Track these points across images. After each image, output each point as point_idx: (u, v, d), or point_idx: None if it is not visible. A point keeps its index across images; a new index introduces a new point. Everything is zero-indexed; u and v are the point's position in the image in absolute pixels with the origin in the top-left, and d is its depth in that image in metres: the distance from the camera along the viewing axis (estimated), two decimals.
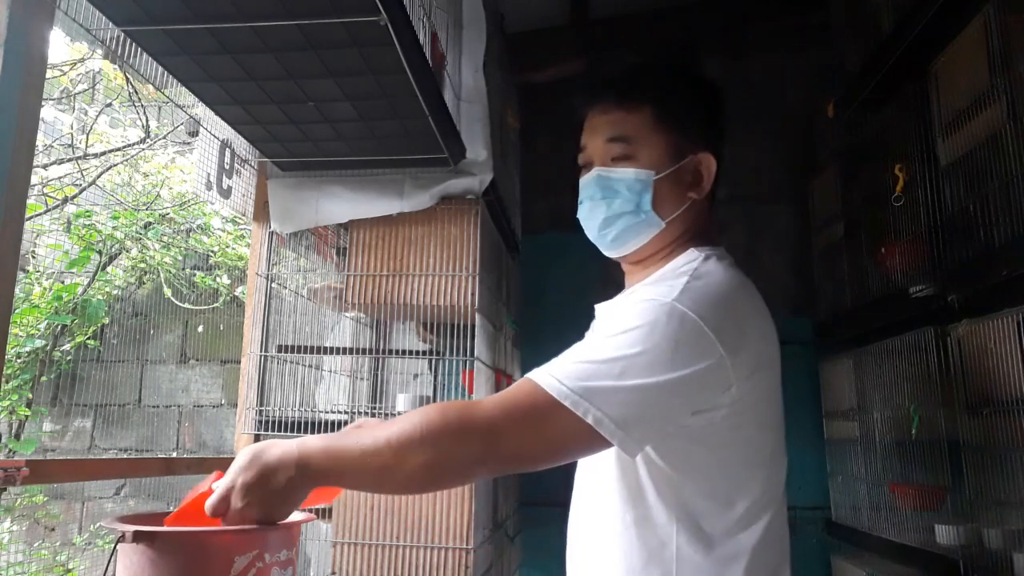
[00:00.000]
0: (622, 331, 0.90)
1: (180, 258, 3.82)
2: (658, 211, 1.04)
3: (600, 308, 1.15)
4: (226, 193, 1.80)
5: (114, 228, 3.55)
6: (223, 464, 1.91)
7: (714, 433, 0.95)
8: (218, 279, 3.73)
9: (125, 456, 3.63)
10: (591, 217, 1.08)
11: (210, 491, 0.91)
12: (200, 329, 3.84)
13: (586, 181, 1.08)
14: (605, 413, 0.85)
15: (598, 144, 1.07)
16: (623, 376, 0.87)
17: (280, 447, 0.87)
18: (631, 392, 0.86)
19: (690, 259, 1.01)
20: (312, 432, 1.71)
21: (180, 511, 0.96)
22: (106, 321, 3.75)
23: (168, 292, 3.69)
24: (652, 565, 0.96)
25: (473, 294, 1.75)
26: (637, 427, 0.87)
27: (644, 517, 0.97)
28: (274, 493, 0.87)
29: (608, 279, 1.26)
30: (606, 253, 1.12)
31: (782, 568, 1.05)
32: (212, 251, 3.83)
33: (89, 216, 3.52)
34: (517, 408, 0.88)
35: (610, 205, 1.05)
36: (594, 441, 0.86)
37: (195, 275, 3.77)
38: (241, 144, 1.81)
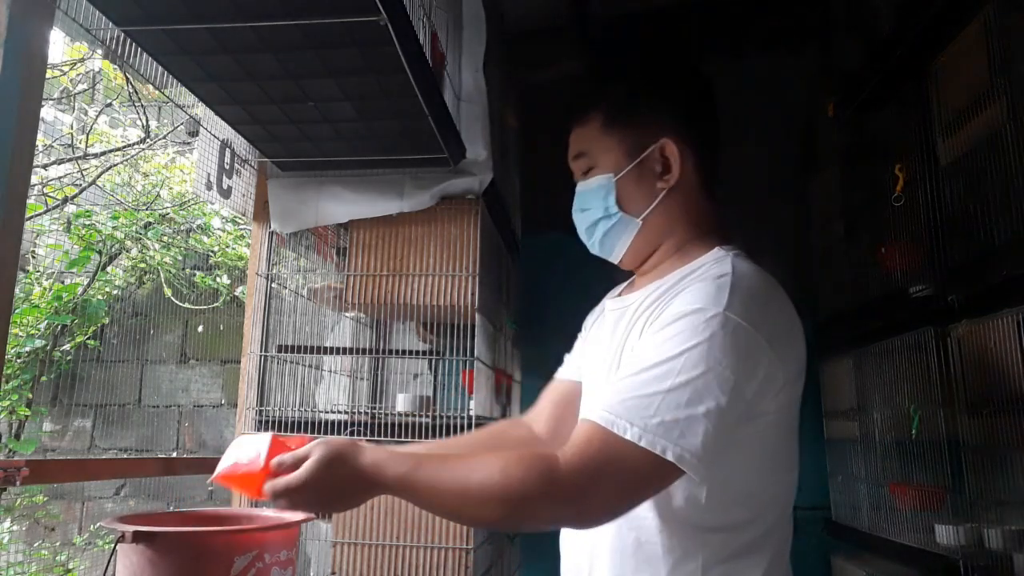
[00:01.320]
0: (680, 351, 0.87)
1: (180, 258, 3.82)
2: (628, 210, 1.05)
3: (613, 304, 1.13)
4: (226, 193, 1.80)
5: (114, 228, 3.55)
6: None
7: (757, 438, 0.94)
8: (218, 279, 3.73)
9: (125, 456, 3.63)
10: (580, 231, 1.13)
11: (266, 468, 0.90)
12: (200, 329, 3.84)
13: (574, 200, 1.13)
14: (684, 448, 0.83)
15: (572, 164, 1.12)
16: (692, 403, 0.84)
17: (358, 461, 0.89)
18: (704, 420, 0.84)
19: (719, 258, 1.00)
20: (311, 432, 1.72)
21: (228, 475, 0.94)
22: (106, 321, 3.75)
23: (168, 292, 3.69)
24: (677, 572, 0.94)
25: (473, 294, 1.75)
26: (712, 451, 0.85)
27: (665, 524, 0.95)
28: (342, 501, 0.93)
29: (619, 277, 1.26)
30: (612, 261, 1.14)
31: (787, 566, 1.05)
32: (212, 251, 3.83)
33: (89, 216, 3.52)
34: (600, 466, 0.84)
35: (587, 216, 1.09)
36: (675, 475, 0.86)
37: (195, 275, 3.77)
38: (241, 144, 1.81)
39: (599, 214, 1.07)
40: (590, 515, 0.87)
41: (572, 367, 1.27)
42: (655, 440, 0.83)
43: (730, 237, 1.08)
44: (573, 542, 1.08)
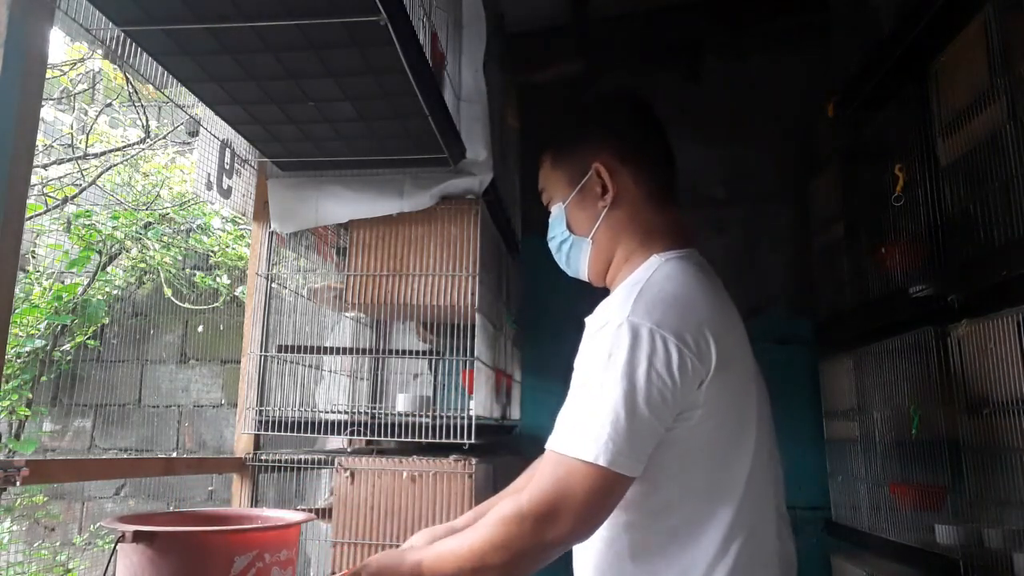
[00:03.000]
0: (598, 366, 0.96)
1: (180, 258, 3.82)
2: (578, 231, 1.18)
3: (587, 321, 1.18)
4: (226, 193, 1.80)
5: (114, 228, 3.55)
6: (223, 464, 1.90)
7: (692, 435, 0.99)
8: (218, 279, 3.73)
9: (125, 456, 3.63)
10: (555, 258, 1.27)
11: None
12: (200, 329, 3.84)
13: None
14: (616, 453, 0.92)
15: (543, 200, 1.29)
16: (612, 411, 0.93)
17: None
18: (627, 422, 0.93)
19: (648, 266, 1.08)
20: (311, 432, 1.72)
21: None
22: (106, 321, 3.75)
23: (168, 292, 3.69)
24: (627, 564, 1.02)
25: (473, 294, 1.75)
26: (641, 449, 0.95)
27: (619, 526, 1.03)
28: None
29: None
30: (584, 280, 1.25)
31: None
32: (212, 251, 3.83)
33: (89, 216, 3.52)
34: (557, 490, 0.94)
35: (554, 243, 1.24)
36: (621, 481, 0.94)
37: (195, 275, 3.77)
38: (241, 144, 1.81)
39: (560, 239, 1.22)
40: (570, 534, 0.95)
41: None
42: (597, 454, 0.92)
43: (682, 241, 1.13)
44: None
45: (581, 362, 1.02)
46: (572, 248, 1.20)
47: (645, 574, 1.01)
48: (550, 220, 1.24)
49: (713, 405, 0.98)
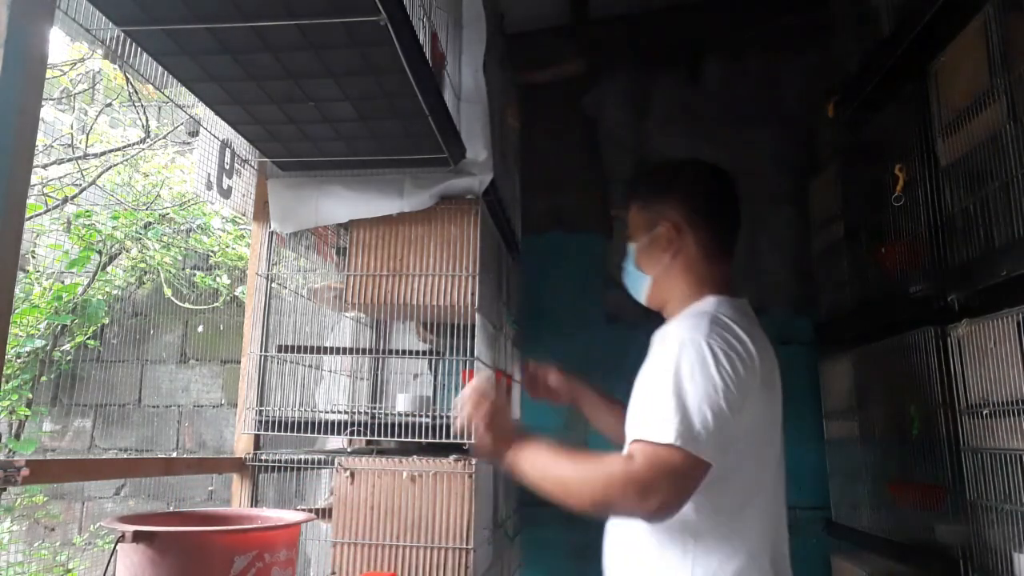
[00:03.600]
0: (678, 370, 1.18)
1: (180, 258, 3.82)
2: (642, 269, 1.44)
3: (655, 337, 1.45)
4: (226, 193, 1.80)
5: (114, 228, 3.55)
6: (223, 464, 1.90)
7: (743, 431, 1.21)
8: (218, 279, 3.73)
9: (125, 456, 3.63)
10: (624, 281, 1.51)
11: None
12: (200, 329, 3.84)
13: None
14: (701, 441, 1.12)
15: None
16: (699, 407, 1.14)
17: (506, 445, 1.30)
18: (712, 419, 1.14)
19: (708, 302, 1.33)
20: (311, 432, 1.72)
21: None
22: (106, 321, 3.75)
23: (168, 292, 3.69)
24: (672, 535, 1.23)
25: (473, 294, 1.75)
26: (720, 441, 1.15)
27: None
28: (486, 454, 1.33)
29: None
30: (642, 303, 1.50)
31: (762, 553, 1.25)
32: (212, 251, 3.83)
33: (89, 216, 3.52)
34: (651, 475, 1.13)
35: (625, 271, 1.49)
36: (702, 466, 1.13)
37: (195, 275, 3.77)
38: (241, 144, 1.81)
39: (629, 270, 1.48)
40: (659, 509, 1.14)
41: None
42: (684, 442, 1.11)
43: (730, 288, 1.38)
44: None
45: (654, 368, 1.26)
46: (634, 279, 1.47)
47: (698, 554, 1.21)
48: (628, 252, 1.50)
49: (756, 411, 1.22)
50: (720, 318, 1.25)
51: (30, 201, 3.19)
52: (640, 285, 1.45)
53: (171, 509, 3.49)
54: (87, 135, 3.57)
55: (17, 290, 3.13)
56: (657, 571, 1.24)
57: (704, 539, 1.21)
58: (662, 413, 1.15)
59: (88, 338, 3.69)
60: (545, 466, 1.26)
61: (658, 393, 1.18)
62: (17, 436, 3.54)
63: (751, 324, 1.29)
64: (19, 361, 3.55)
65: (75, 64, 3.36)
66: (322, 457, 1.79)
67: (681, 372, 1.17)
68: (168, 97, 1.66)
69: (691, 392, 1.15)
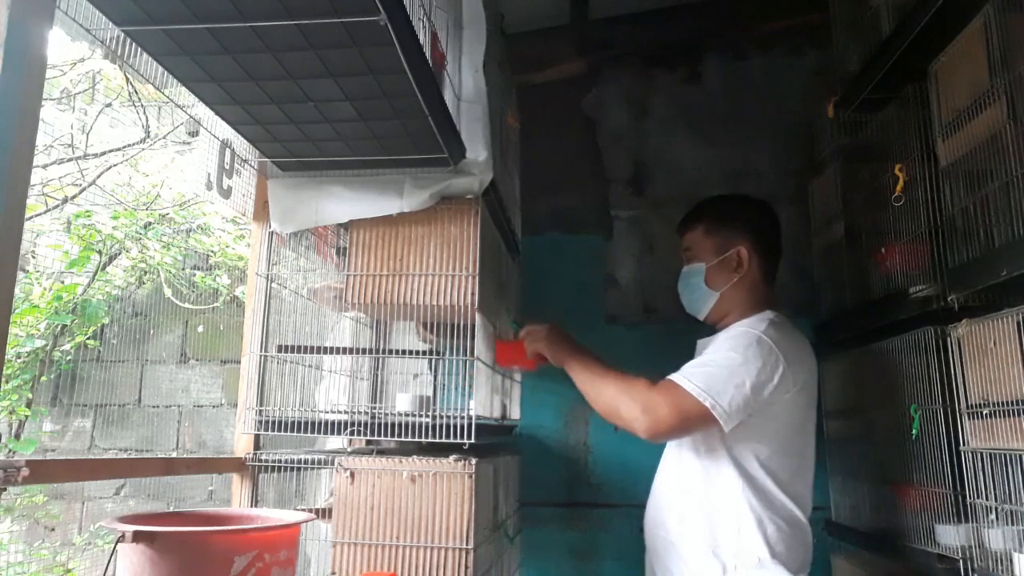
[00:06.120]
0: (728, 350, 1.55)
1: (180, 258, 3.82)
2: (711, 286, 1.72)
3: (701, 343, 1.79)
4: (226, 193, 1.80)
5: (114, 228, 3.55)
6: (223, 464, 1.90)
7: (777, 412, 1.58)
8: (218, 279, 3.73)
9: (125, 456, 3.63)
10: (682, 297, 1.81)
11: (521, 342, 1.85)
12: (200, 329, 3.84)
13: (680, 278, 1.83)
14: (718, 402, 1.47)
15: (682, 253, 1.82)
16: (730, 378, 1.48)
17: (566, 348, 1.75)
18: (734, 390, 1.48)
19: (765, 315, 1.66)
20: (311, 432, 1.72)
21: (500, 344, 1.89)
22: (106, 321, 3.75)
23: (168, 292, 3.69)
24: (726, 500, 1.57)
25: (473, 294, 1.74)
26: (737, 413, 1.49)
27: (717, 471, 1.59)
28: (558, 347, 1.78)
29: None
30: (698, 318, 1.81)
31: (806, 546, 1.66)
32: (212, 251, 3.83)
33: (89, 216, 3.52)
34: (670, 400, 1.51)
35: (688, 287, 1.78)
36: (710, 419, 1.47)
37: (195, 275, 3.77)
38: (241, 144, 1.81)
39: (694, 287, 1.74)
40: (658, 422, 1.50)
41: None
42: (702, 393, 1.47)
43: (777, 307, 1.71)
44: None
45: (717, 346, 1.61)
46: (701, 295, 1.73)
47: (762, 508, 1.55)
48: (689, 270, 1.78)
49: (790, 407, 1.58)
50: (776, 321, 1.62)
51: (30, 201, 3.19)
52: (705, 300, 1.73)
53: (171, 509, 3.49)
54: (87, 135, 3.57)
55: (17, 290, 3.13)
56: (725, 527, 1.55)
57: (770, 498, 1.55)
58: (702, 369, 1.50)
59: (88, 338, 3.70)
60: (587, 373, 1.64)
61: (707, 357, 1.55)
62: (17, 436, 3.54)
63: (798, 334, 1.67)
64: (19, 361, 3.55)
65: (75, 64, 3.36)
66: (322, 457, 1.79)
67: (731, 347, 1.52)
68: (168, 97, 1.66)
69: (732, 363, 1.48)
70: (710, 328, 1.81)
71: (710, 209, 1.79)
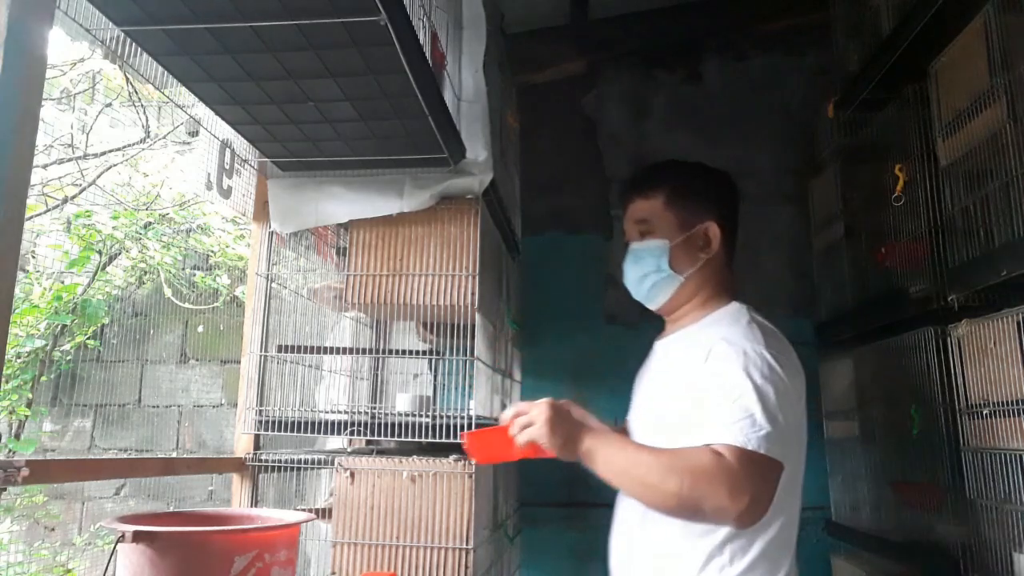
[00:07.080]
0: (744, 377, 1.17)
1: (180, 258, 3.82)
2: (676, 269, 1.35)
3: (660, 345, 1.45)
4: (226, 193, 1.80)
5: (114, 228, 3.55)
6: (223, 464, 1.90)
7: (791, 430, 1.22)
8: (218, 279, 3.73)
9: (125, 456, 3.63)
10: (629, 280, 1.41)
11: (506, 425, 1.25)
12: (200, 329, 3.84)
13: (627, 255, 1.42)
14: (772, 445, 1.12)
15: (630, 227, 1.42)
16: (775, 420, 1.14)
17: (578, 434, 1.21)
18: (782, 431, 1.14)
19: (737, 309, 1.32)
20: (311, 432, 1.72)
21: (477, 432, 1.33)
22: (106, 321, 3.75)
23: (168, 292, 3.69)
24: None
25: (473, 294, 1.75)
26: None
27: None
28: (563, 438, 1.21)
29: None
30: (647, 306, 1.42)
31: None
32: (212, 251, 3.83)
33: (89, 216, 3.52)
34: (755, 471, 1.12)
35: (639, 269, 1.38)
36: (778, 468, 1.15)
37: (195, 275, 3.77)
38: (241, 144, 1.81)
39: (651, 269, 1.37)
40: (745, 513, 1.11)
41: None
42: (772, 449, 1.12)
43: (740, 295, 1.38)
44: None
45: (716, 373, 1.21)
46: (663, 280, 1.37)
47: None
48: (641, 248, 1.39)
49: (798, 418, 1.23)
50: (768, 327, 1.28)
51: (30, 201, 3.19)
52: (666, 286, 1.36)
53: (171, 509, 3.49)
54: (87, 135, 3.56)
55: (17, 290, 3.13)
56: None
57: (744, 544, 1.19)
58: (747, 418, 1.13)
59: (88, 338, 3.69)
60: (624, 460, 1.18)
61: (736, 399, 1.15)
62: (17, 436, 3.54)
63: (777, 331, 1.31)
64: (19, 361, 3.55)
65: (75, 64, 3.36)
66: (322, 457, 1.79)
67: (755, 379, 1.16)
68: (168, 97, 1.66)
69: (769, 399, 1.14)
70: (660, 320, 1.48)
71: (672, 175, 1.42)
